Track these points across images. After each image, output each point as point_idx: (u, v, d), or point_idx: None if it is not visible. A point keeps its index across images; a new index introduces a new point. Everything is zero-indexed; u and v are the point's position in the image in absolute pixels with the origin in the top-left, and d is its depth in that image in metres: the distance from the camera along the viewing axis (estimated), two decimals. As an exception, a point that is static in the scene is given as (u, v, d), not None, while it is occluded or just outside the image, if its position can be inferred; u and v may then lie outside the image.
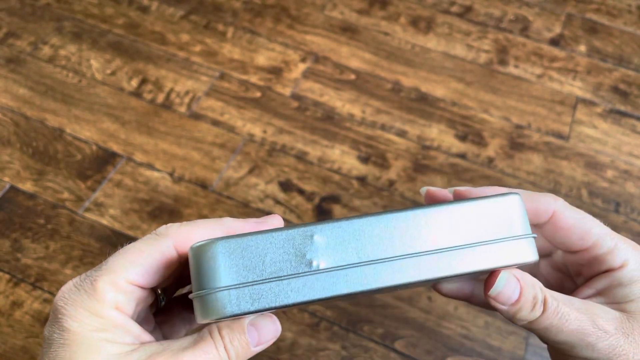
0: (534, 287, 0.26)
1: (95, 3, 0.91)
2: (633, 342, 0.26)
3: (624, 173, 0.76)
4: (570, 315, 0.26)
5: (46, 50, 0.84)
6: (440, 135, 0.78)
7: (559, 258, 0.32)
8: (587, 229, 0.27)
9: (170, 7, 0.91)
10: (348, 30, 0.90)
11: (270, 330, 0.24)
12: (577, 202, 0.73)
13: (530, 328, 0.27)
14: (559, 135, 0.80)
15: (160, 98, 0.80)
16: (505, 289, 0.26)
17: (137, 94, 0.80)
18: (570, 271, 0.30)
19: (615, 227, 0.70)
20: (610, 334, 0.26)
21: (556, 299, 0.26)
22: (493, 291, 0.26)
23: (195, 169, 0.73)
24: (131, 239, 0.66)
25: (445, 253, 0.23)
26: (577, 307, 0.26)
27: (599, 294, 0.28)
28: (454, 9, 0.95)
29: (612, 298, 0.27)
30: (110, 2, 0.91)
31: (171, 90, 0.81)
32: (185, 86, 0.81)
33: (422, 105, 0.82)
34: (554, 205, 0.27)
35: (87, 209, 0.68)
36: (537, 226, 0.28)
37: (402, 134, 0.78)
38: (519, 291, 0.26)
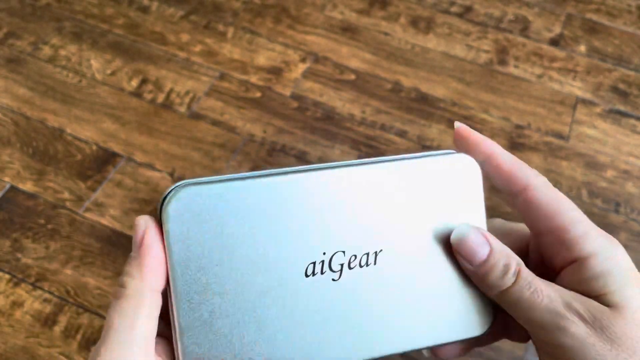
0: (507, 254, 0.25)
1: (95, 3, 0.91)
2: (610, 336, 0.24)
3: (623, 173, 0.76)
4: (544, 291, 0.25)
5: (46, 51, 0.84)
6: (441, 135, 0.78)
7: (535, 255, 0.30)
8: (558, 209, 0.25)
9: (170, 7, 0.91)
10: (348, 30, 0.90)
11: None
12: (577, 202, 0.73)
13: (502, 300, 0.26)
14: (559, 135, 0.80)
15: (161, 98, 0.80)
16: (470, 240, 0.25)
17: (137, 94, 0.80)
18: (545, 263, 0.29)
19: (615, 227, 0.70)
20: (585, 321, 0.24)
21: (531, 273, 0.25)
22: (455, 236, 0.25)
23: (196, 169, 0.73)
24: (132, 239, 0.66)
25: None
26: (552, 287, 0.25)
27: (571, 286, 0.26)
28: (454, 9, 0.95)
29: (588, 290, 0.25)
30: (111, 2, 0.92)
31: (171, 90, 0.81)
32: (185, 86, 0.81)
33: (422, 105, 0.82)
34: (533, 180, 0.26)
35: (88, 209, 0.68)
36: (511, 197, 0.27)
37: (402, 134, 0.78)
38: (488, 250, 0.25)
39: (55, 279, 0.63)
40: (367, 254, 0.25)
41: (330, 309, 0.24)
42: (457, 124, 0.28)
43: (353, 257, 0.25)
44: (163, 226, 0.23)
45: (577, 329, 0.24)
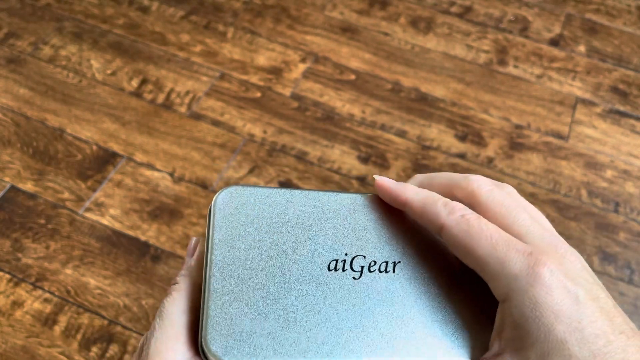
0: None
1: (95, 3, 0.91)
2: None
3: (623, 173, 0.76)
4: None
5: (47, 51, 0.85)
6: (440, 135, 0.79)
7: None
8: (469, 250, 0.24)
9: (170, 7, 0.91)
10: (348, 31, 0.90)
11: None
12: (576, 202, 0.73)
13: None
14: (559, 136, 0.80)
15: (161, 98, 0.80)
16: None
17: (137, 94, 0.80)
18: None
19: (614, 227, 0.70)
20: None
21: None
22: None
23: (196, 169, 0.73)
24: (132, 239, 0.66)
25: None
26: None
27: (501, 338, 0.23)
28: (454, 9, 0.95)
29: (511, 344, 0.23)
30: (111, 2, 0.92)
31: (171, 90, 0.81)
32: (185, 86, 0.82)
33: (422, 105, 0.82)
34: (444, 221, 0.25)
35: (88, 209, 0.68)
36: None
37: (402, 134, 0.78)
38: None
39: (55, 278, 0.63)
40: (386, 263, 0.28)
41: (348, 303, 0.27)
42: (375, 177, 0.29)
43: (373, 263, 0.28)
44: (211, 212, 0.27)
45: None
